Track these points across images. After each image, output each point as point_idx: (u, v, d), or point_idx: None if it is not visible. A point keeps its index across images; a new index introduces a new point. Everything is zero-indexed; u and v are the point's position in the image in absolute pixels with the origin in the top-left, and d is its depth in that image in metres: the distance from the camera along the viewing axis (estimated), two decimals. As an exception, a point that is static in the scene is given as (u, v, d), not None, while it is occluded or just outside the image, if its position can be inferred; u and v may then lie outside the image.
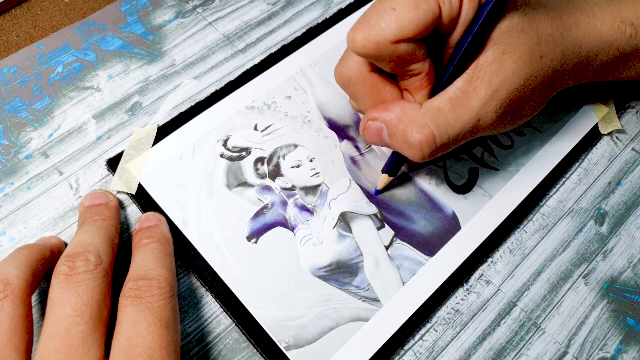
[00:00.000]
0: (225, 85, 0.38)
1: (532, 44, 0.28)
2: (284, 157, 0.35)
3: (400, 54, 0.26)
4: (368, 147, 0.36)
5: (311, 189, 0.34)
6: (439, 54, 0.29)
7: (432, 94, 0.29)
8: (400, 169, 0.33)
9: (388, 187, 0.35)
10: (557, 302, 0.32)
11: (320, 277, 0.31)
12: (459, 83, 0.28)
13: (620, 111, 0.39)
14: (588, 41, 0.31)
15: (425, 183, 0.35)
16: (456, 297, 0.32)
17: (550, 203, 0.35)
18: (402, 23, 0.26)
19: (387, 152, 0.36)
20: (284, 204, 0.34)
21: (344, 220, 0.33)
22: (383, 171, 0.33)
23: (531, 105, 0.30)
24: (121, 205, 0.33)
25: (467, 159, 0.36)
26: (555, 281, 0.33)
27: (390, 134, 0.29)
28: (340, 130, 0.37)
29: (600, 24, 0.31)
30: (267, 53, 0.40)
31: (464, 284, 0.32)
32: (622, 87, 0.40)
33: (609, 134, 0.38)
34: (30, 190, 0.34)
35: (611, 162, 0.37)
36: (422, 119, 0.28)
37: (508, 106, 0.29)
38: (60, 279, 0.25)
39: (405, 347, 0.30)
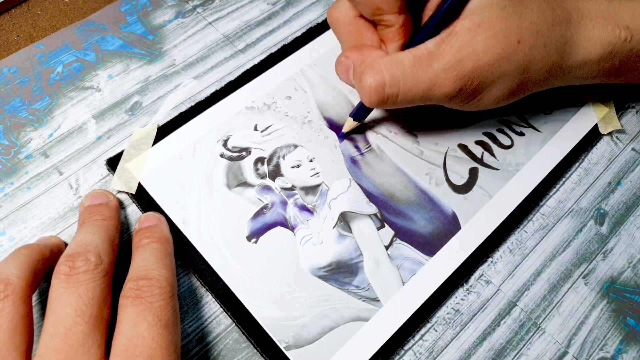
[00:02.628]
0: (225, 85, 0.38)
1: (511, 26, 0.28)
2: (284, 157, 0.35)
3: (375, 1, 0.28)
4: (368, 147, 0.36)
5: (311, 189, 0.34)
6: (418, 14, 0.30)
7: (405, 49, 0.30)
8: (365, 116, 0.35)
9: (352, 133, 0.36)
10: (557, 302, 0.32)
11: (320, 277, 0.31)
12: (429, 44, 0.29)
13: (620, 111, 0.39)
14: (576, 42, 0.31)
15: (425, 183, 0.35)
16: (456, 297, 0.32)
17: (550, 203, 0.35)
18: None
19: (387, 151, 0.36)
20: (284, 204, 0.34)
21: (344, 220, 0.33)
22: (350, 115, 0.35)
23: (498, 90, 0.30)
24: (121, 205, 0.33)
25: (467, 158, 0.36)
26: (555, 281, 0.33)
27: (354, 74, 0.31)
28: (340, 131, 0.37)
29: (592, 26, 0.31)
30: (267, 53, 0.40)
31: (464, 284, 0.32)
32: (622, 88, 0.40)
33: (609, 134, 0.38)
34: (30, 190, 0.34)
35: (611, 162, 0.37)
36: (380, 65, 0.29)
37: (470, 80, 0.29)
38: (61, 278, 0.25)
39: (405, 347, 0.30)
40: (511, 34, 0.28)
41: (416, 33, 0.30)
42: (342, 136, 0.36)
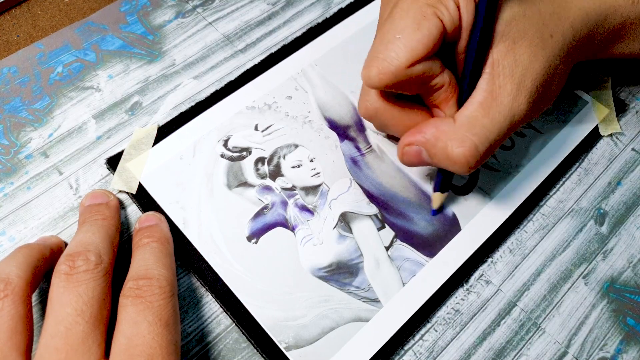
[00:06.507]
0: (226, 85, 0.38)
1: (539, 27, 0.28)
2: (284, 157, 0.35)
3: (418, 74, 0.27)
4: (369, 148, 0.36)
5: (312, 189, 0.34)
6: (453, 63, 0.29)
7: (460, 102, 0.29)
8: (450, 183, 0.33)
9: (443, 207, 0.34)
10: (557, 302, 0.32)
11: (320, 277, 0.31)
12: (482, 84, 0.28)
13: (621, 111, 0.39)
14: (593, 8, 0.31)
15: (426, 184, 0.35)
16: (456, 297, 0.32)
17: (550, 203, 0.35)
18: (410, 47, 0.26)
19: (388, 152, 0.36)
20: (285, 204, 0.34)
21: (345, 220, 0.33)
22: (435, 190, 0.33)
23: (556, 83, 0.30)
24: (121, 205, 0.33)
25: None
26: (555, 281, 0.33)
27: (430, 155, 0.29)
28: (340, 131, 0.37)
29: None
30: (267, 53, 0.40)
31: (464, 284, 0.32)
32: (623, 88, 0.40)
33: (609, 135, 0.38)
34: (30, 190, 0.34)
35: (611, 162, 0.37)
36: (459, 132, 0.28)
37: (536, 93, 0.28)
38: (61, 278, 0.25)
39: (405, 347, 0.30)
40: (543, 33, 0.28)
41: (460, 81, 0.29)
42: (434, 213, 0.34)
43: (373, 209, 0.34)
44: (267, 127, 0.36)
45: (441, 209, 0.34)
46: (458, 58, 0.29)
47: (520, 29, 0.28)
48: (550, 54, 0.28)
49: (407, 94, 0.29)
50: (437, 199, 0.33)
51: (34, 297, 0.30)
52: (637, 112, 0.39)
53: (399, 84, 0.27)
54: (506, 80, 0.28)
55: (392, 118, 0.30)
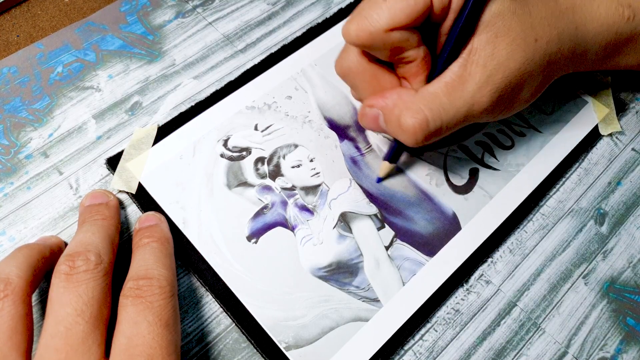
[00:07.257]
0: (226, 85, 0.38)
1: (525, 27, 0.28)
2: (284, 157, 0.35)
3: (394, 42, 0.27)
4: (369, 148, 0.36)
5: (311, 189, 0.34)
6: (434, 42, 0.29)
7: (429, 80, 0.29)
8: (400, 156, 0.34)
9: (390, 177, 0.35)
10: (557, 302, 0.32)
11: (320, 277, 0.31)
12: (454, 67, 0.28)
13: (621, 111, 0.39)
14: (585, 24, 0.31)
15: (426, 183, 0.35)
16: (456, 297, 0.32)
17: (550, 203, 0.35)
18: (393, 12, 0.26)
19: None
20: (284, 204, 0.34)
21: (344, 220, 0.33)
22: (384, 159, 0.34)
23: (528, 90, 0.30)
24: (121, 205, 0.33)
25: (467, 159, 0.36)
26: (555, 281, 0.33)
27: (385, 120, 0.29)
28: (340, 131, 0.37)
29: (597, 6, 0.31)
30: (267, 53, 0.40)
31: (464, 284, 0.32)
32: (623, 88, 0.40)
33: (609, 134, 0.38)
34: (30, 190, 0.34)
35: (611, 162, 0.37)
36: (416, 104, 0.28)
37: (503, 91, 0.28)
38: (61, 278, 0.25)
39: (405, 347, 0.30)
40: (527, 35, 0.28)
41: (435, 60, 0.29)
42: (379, 181, 0.35)
43: (373, 209, 0.34)
44: (267, 127, 0.36)
45: (386, 178, 0.35)
46: (440, 39, 0.29)
47: (506, 24, 0.28)
48: (529, 58, 0.28)
49: (383, 60, 0.29)
50: (384, 168, 0.34)
51: (34, 297, 0.30)
52: (637, 112, 0.39)
53: (374, 46, 0.27)
54: (477, 69, 0.28)
55: (363, 80, 0.30)
